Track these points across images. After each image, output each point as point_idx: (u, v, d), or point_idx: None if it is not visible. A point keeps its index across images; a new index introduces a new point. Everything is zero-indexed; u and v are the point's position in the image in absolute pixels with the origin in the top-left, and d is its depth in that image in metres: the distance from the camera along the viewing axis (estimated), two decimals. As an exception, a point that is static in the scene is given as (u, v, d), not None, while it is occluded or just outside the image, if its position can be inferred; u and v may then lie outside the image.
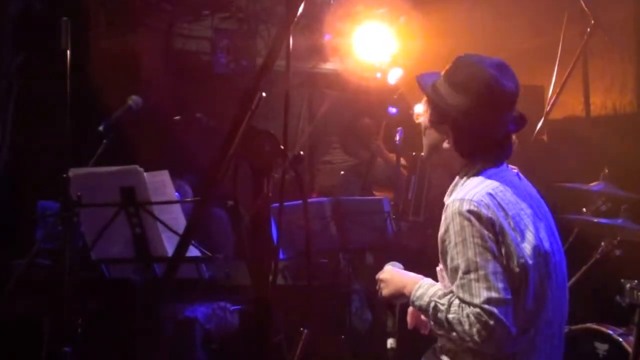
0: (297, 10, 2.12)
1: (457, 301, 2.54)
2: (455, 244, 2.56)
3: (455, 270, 2.56)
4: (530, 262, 2.56)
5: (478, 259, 2.51)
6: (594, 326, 4.38)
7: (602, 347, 4.30)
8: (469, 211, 2.55)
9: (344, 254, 5.37)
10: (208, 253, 4.00)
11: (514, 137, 2.80)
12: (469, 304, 2.50)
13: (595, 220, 4.49)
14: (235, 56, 7.06)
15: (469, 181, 2.70)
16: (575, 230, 4.82)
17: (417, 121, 2.89)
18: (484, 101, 2.66)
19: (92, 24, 6.23)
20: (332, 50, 6.54)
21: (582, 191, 4.67)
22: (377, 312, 5.96)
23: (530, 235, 2.60)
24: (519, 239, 2.57)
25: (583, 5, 5.12)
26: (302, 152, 2.21)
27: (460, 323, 2.51)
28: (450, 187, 2.78)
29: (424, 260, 2.93)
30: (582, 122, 5.86)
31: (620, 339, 4.20)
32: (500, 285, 2.49)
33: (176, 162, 5.44)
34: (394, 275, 2.82)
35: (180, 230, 3.83)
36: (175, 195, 4.12)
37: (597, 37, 5.21)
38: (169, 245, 3.99)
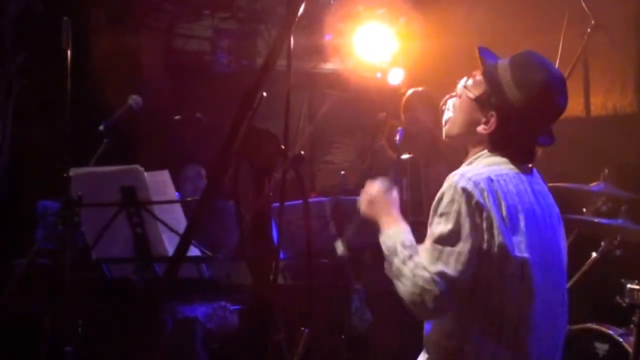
0: (298, 10, 2.12)
1: (418, 259, 2.56)
2: (441, 214, 2.57)
3: (431, 235, 2.58)
4: (513, 253, 2.54)
5: (453, 235, 2.53)
6: (594, 326, 4.38)
7: (602, 347, 4.30)
8: (463, 189, 2.54)
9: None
10: (208, 253, 4.00)
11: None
12: (424, 268, 2.53)
13: (596, 220, 4.49)
14: (235, 56, 7.07)
15: (482, 161, 2.69)
16: (575, 231, 4.81)
17: (456, 92, 2.80)
18: (537, 108, 2.66)
19: (93, 24, 6.23)
20: (332, 50, 6.54)
21: (582, 191, 4.67)
22: (377, 312, 5.96)
23: (520, 229, 2.57)
24: (508, 226, 2.54)
25: (584, 5, 5.11)
26: (302, 152, 2.21)
27: (407, 278, 2.55)
28: (465, 163, 2.77)
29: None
30: (583, 123, 5.85)
31: (621, 339, 4.19)
32: (459, 267, 2.51)
33: (176, 162, 5.45)
34: (381, 203, 2.80)
35: (181, 230, 3.84)
36: (175, 195, 4.13)
37: (598, 38, 5.20)
38: (170, 245, 4.00)
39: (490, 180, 2.57)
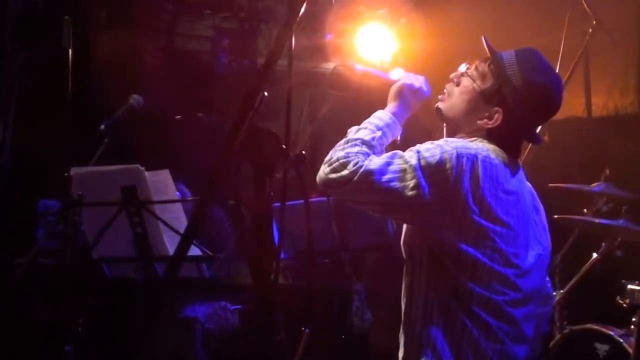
0: (299, 10, 2.13)
1: (365, 151, 2.55)
2: (427, 147, 2.53)
3: (409, 150, 2.55)
4: (476, 218, 2.48)
5: (415, 165, 2.48)
6: (595, 327, 4.38)
7: (602, 348, 4.30)
8: (445, 151, 2.50)
9: (345, 253, 5.37)
10: (209, 252, 4.00)
11: None
12: (362, 160, 2.50)
13: (596, 221, 4.49)
14: (236, 56, 7.07)
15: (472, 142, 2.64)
16: (576, 231, 4.82)
17: (457, 75, 2.75)
18: (540, 109, 2.67)
19: (94, 23, 6.23)
20: (334, 50, 6.54)
21: (583, 192, 4.67)
22: (377, 312, 5.96)
23: (499, 220, 2.50)
24: (478, 208, 2.47)
25: (585, 5, 5.10)
26: (303, 152, 2.21)
27: (345, 156, 2.52)
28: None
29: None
30: (584, 123, 5.86)
31: (621, 340, 4.20)
32: (385, 187, 2.47)
33: (177, 162, 5.44)
34: (403, 90, 2.77)
35: (182, 230, 3.84)
36: (176, 195, 4.13)
37: (599, 38, 5.20)
38: (170, 245, 4.00)
39: (475, 158, 2.50)
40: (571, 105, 5.72)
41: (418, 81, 2.81)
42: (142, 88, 4.92)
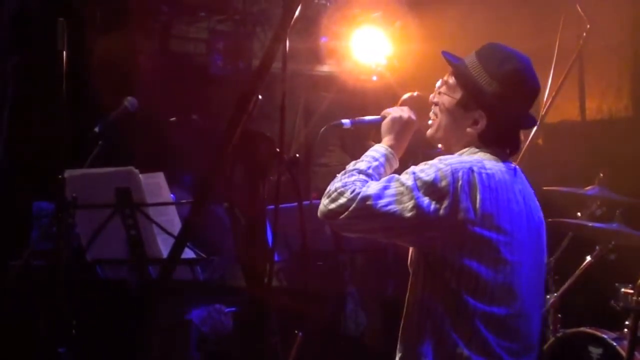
0: (294, 12, 2.13)
1: (362, 179, 2.59)
2: (422, 168, 2.55)
3: (393, 176, 2.57)
4: (478, 230, 2.49)
5: (406, 191, 2.50)
6: (588, 330, 4.39)
7: (596, 351, 4.31)
8: (439, 169, 2.52)
9: (339, 256, 5.37)
10: (203, 255, 4.00)
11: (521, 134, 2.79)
12: (360, 187, 2.53)
13: (590, 224, 4.50)
14: (231, 58, 7.06)
15: (467, 156, 2.66)
16: (569, 235, 4.82)
17: (434, 97, 2.79)
18: (517, 95, 2.67)
19: (89, 25, 6.23)
20: (328, 52, 6.55)
21: (577, 195, 4.68)
22: (371, 315, 5.96)
23: (502, 229, 2.52)
24: (479, 219, 2.49)
25: (579, 9, 5.11)
26: (298, 155, 2.21)
27: (342, 185, 2.55)
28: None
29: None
30: (578, 126, 5.87)
31: (614, 343, 4.20)
32: (386, 211, 2.49)
33: (172, 164, 5.44)
34: (395, 123, 2.83)
35: (176, 232, 3.84)
36: (170, 197, 4.13)
37: (593, 41, 5.22)
38: (164, 247, 3.99)
39: (470, 171, 2.52)
40: (565, 109, 5.73)
41: (405, 112, 2.87)
42: (137, 90, 4.92)
